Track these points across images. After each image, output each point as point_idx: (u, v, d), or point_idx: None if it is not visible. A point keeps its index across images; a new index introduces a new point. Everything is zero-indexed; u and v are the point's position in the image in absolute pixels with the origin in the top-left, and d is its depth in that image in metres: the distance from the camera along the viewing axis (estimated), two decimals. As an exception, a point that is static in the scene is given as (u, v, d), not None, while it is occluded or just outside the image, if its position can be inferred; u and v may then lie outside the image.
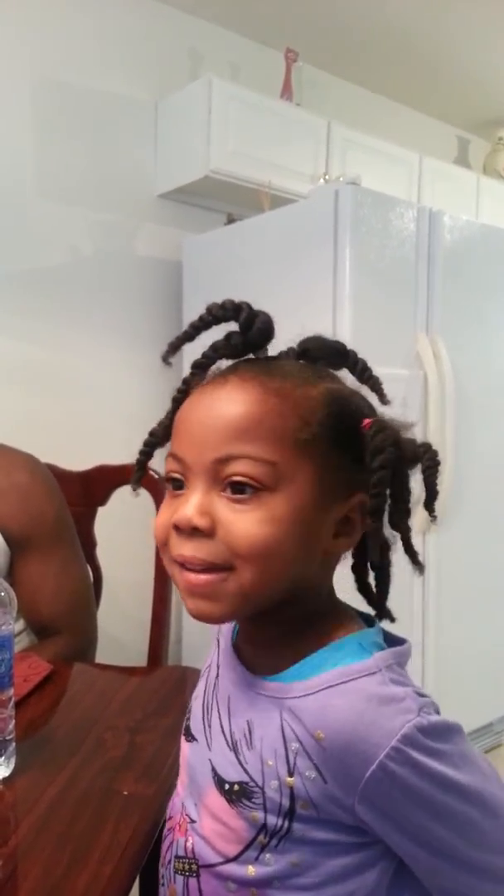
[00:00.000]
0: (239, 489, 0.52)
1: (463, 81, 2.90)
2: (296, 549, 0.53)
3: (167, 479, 0.57)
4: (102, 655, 1.22)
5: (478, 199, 2.96)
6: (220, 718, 0.60)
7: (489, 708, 2.24)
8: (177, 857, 0.60)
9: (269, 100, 2.31)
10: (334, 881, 0.53)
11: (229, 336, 0.59)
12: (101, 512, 1.41)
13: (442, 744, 0.51)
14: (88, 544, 1.36)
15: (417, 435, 1.76)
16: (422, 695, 0.53)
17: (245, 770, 0.55)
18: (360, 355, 0.62)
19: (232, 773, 0.56)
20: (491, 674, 2.22)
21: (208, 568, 0.53)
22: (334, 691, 0.52)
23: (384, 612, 0.61)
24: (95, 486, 1.39)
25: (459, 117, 3.21)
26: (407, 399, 1.88)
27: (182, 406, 0.58)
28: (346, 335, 1.79)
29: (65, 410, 2.18)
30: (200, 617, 0.54)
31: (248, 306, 0.58)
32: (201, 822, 0.59)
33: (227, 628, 0.65)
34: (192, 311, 2.27)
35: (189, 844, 0.59)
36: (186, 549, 0.53)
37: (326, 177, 2.33)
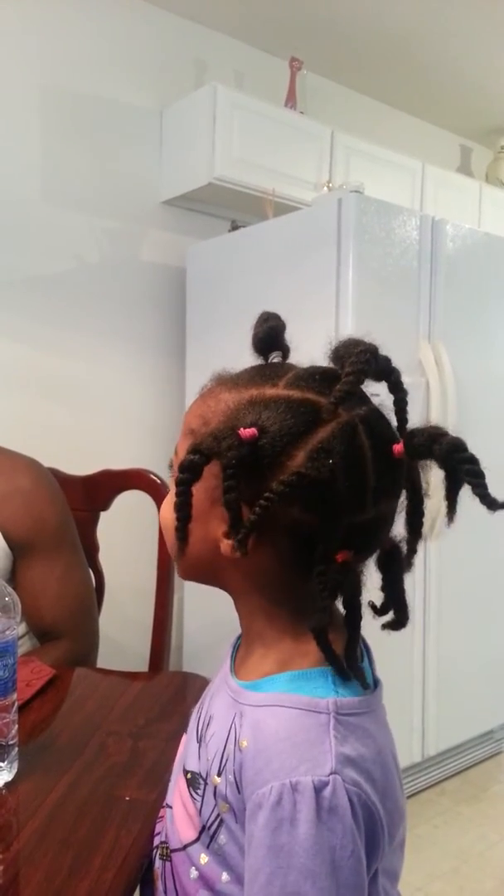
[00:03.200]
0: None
1: (466, 90, 2.91)
2: (179, 532, 0.55)
3: None
4: (104, 660, 1.22)
5: (480, 207, 2.97)
6: (200, 712, 0.63)
7: (489, 715, 2.23)
8: (161, 842, 0.63)
9: (273, 108, 2.32)
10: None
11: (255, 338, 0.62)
12: (104, 516, 1.42)
13: (318, 815, 0.48)
14: (91, 549, 1.37)
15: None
16: (349, 763, 0.50)
17: (199, 761, 0.58)
18: (359, 361, 0.54)
19: (192, 762, 0.59)
20: (491, 681, 2.22)
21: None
22: (279, 712, 0.53)
23: (336, 663, 0.54)
24: (98, 490, 1.39)
25: (462, 126, 3.23)
26: (409, 406, 1.88)
27: None
28: (349, 342, 1.79)
29: (68, 415, 2.18)
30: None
31: (263, 317, 0.61)
32: (173, 807, 0.61)
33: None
34: (196, 317, 2.29)
35: (164, 829, 0.62)
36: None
37: (330, 185, 2.34)
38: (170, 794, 0.64)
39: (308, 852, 0.47)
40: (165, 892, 0.61)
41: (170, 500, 0.58)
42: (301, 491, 0.49)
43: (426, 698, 2.03)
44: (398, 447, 0.53)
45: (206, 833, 0.56)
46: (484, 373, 2.11)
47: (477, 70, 2.75)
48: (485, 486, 0.53)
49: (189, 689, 0.98)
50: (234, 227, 2.27)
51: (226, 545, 0.54)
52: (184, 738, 0.67)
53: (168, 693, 0.97)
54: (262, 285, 2.03)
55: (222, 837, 0.55)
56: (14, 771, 0.72)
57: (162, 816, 0.65)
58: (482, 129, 3.25)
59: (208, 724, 0.59)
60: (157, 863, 0.63)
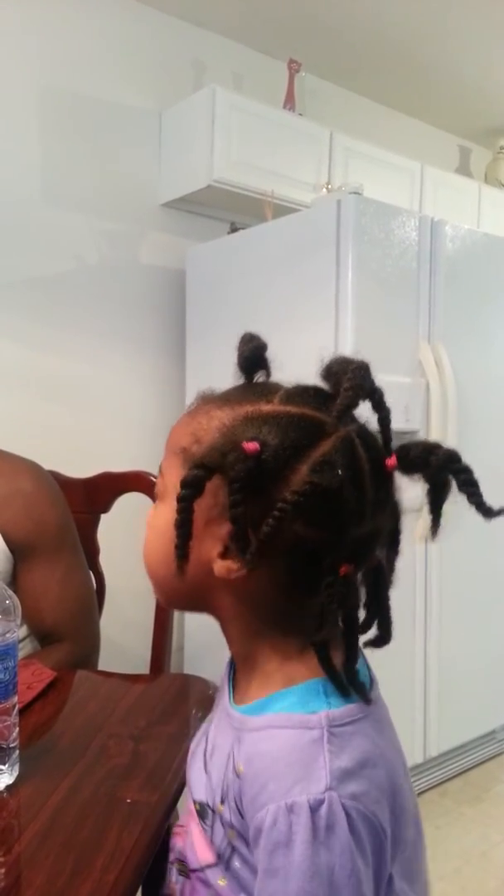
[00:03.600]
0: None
1: (464, 91, 2.92)
2: (170, 555, 0.54)
3: None
4: (105, 662, 1.22)
5: (479, 207, 2.97)
6: (206, 738, 0.63)
7: (491, 716, 2.23)
8: (177, 859, 0.63)
9: (272, 109, 2.33)
10: None
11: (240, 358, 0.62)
12: (105, 519, 1.42)
13: (314, 833, 0.48)
14: (91, 551, 1.37)
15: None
16: (346, 776, 0.49)
17: (206, 791, 0.58)
18: (356, 377, 0.55)
19: (199, 792, 0.59)
20: (492, 682, 2.22)
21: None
22: (268, 733, 0.53)
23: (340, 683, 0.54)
24: (99, 492, 1.39)
25: (461, 126, 3.23)
26: (409, 407, 1.89)
27: None
28: (349, 344, 1.80)
29: (68, 417, 2.18)
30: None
31: (246, 338, 0.61)
32: (191, 829, 0.61)
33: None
34: (196, 318, 2.29)
35: (181, 849, 0.63)
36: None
37: (329, 186, 2.34)
38: (185, 816, 0.64)
39: (305, 874, 0.47)
40: None
41: (157, 524, 0.58)
42: (311, 502, 0.49)
43: (427, 699, 2.03)
44: (391, 461, 0.54)
45: (222, 858, 0.56)
46: (484, 373, 2.11)
47: (475, 71, 2.76)
48: (481, 495, 0.54)
49: (190, 691, 0.98)
50: (234, 229, 2.27)
51: (221, 566, 0.53)
52: (189, 764, 0.65)
53: (169, 695, 0.97)
54: (261, 287, 2.03)
55: (236, 863, 0.54)
56: (15, 774, 0.72)
57: (177, 833, 0.65)
58: (481, 130, 3.26)
59: (212, 755, 0.59)
60: (176, 878, 0.63)
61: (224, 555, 0.53)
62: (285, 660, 0.56)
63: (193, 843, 0.60)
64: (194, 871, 0.60)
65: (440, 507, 0.55)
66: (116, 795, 0.70)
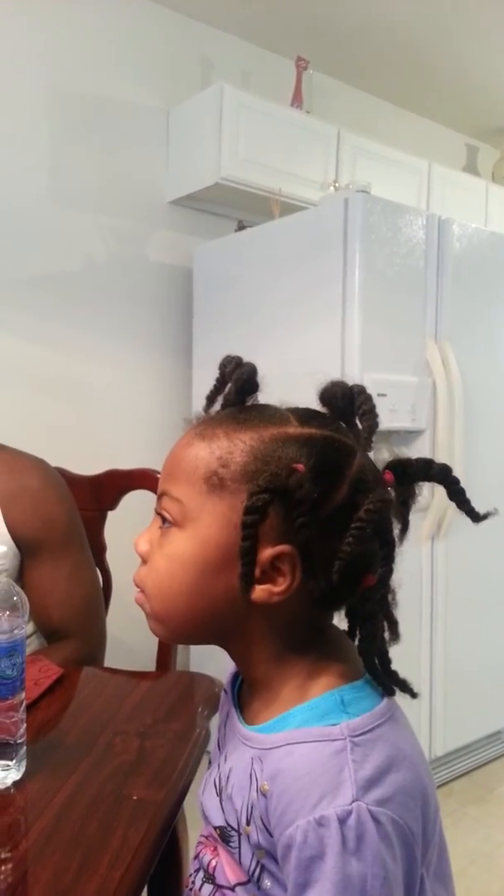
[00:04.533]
0: (166, 524, 0.57)
1: (472, 89, 2.91)
2: (196, 584, 0.55)
3: None
4: (111, 659, 1.23)
5: (487, 206, 2.96)
6: (218, 765, 0.62)
7: (497, 716, 2.23)
8: (204, 869, 0.62)
9: (279, 107, 2.32)
10: None
11: (216, 389, 0.62)
12: (111, 516, 1.42)
13: (344, 844, 0.48)
14: (98, 548, 1.37)
15: (426, 442, 1.79)
16: (372, 784, 0.50)
17: (224, 815, 0.57)
18: (367, 401, 0.58)
19: (216, 817, 0.59)
20: (498, 682, 2.21)
21: (142, 590, 0.59)
22: (290, 749, 0.53)
23: (381, 680, 0.57)
24: (105, 490, 1.39)
25: (468, 125, 3.22)
26: (415, 406, 1.88)
27: None
28: (356, 342, 1.79)
29: (75, 415, 2.19)
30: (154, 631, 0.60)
31: (235, 361, 0.61)
32: (220, 849, 0.60)
33: (230, 675, 0.67)
34: (203, 316, 2.29)
35: (212, 863, 0.61)
36: (137, 572, 0.60)
37: (336, 184, 2.34)
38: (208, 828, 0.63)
39: (337, 886, 0.47)
40: None
41: (176, 553, 0.56)
42: (378, 519, 0.52)
43: (433, 699, 2.02)
44: (389, 475, 0.56)
45: (252, 878, 0.56)
46: (491, 372, 2.11)
47: (483, 69, 2.75)
48: (469, 502, 0.59)
49: (196, 688, 0.98)
50: (241, 227, 2.27)
51: (262, 591, 0.53)
52: (202, 794, 0.64)
53: (175, 693, 0.97)
54: (268, 285, 2.03)
55: (267, 882, 0.54)
56: (22, 770, 0.72)
57: (204, 844, 0.63)
58: (489, 129, 3.24)
59: (228, 777, 0.58)
60: (201, 885, 0.61)
61: (262, 579, 0.53)
62: (301, 676, 0.56)
63: (223, 863, 0.59)
64: (224, 887, 0.59)
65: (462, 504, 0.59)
66: (123, 792, 0.71)
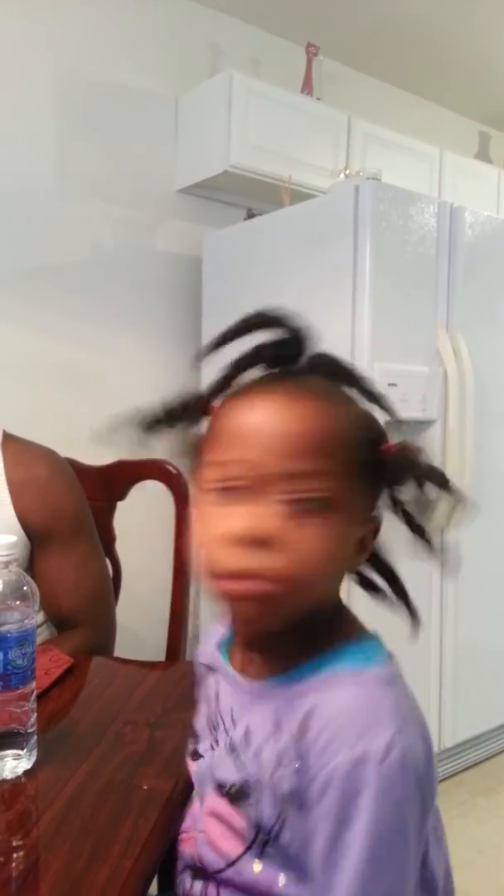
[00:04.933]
0: (306, 504, 0.53)
1: (484, 75, 2.87)
2: (338, 565, 0.57)
3: (215, 488, 0.55)
4: (121, 649, 1.23)
5: (499, 194, 2.93)
6: (225, 731, 0.62)
7: (507, 707, 2.22)
8: (190, 867, 0.62)
9: (289, 94, 2.30)
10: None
11: (270, 346, 0.59)
12: (121, 506, 1.42)
13: (389, 782, 0.49)
14: (107, 538, 1.37)
15: (437, 432, 1.78)
16: (407, 722, 0.52)
17: (244, 770, 0.57)
18: (368, 377, 0.61)
19: (231, 776, 0.58)
20: (509, 673, 2.21)
21: (268, 579, 0.53)
22: (331, 690, 0.54)
23: (413, 613, 0.63)
24: (115, 480, 1.39)
25: (480, 111, 3.18)
26: (427, 396, 1.87)
27: (230, 413, 0.57)
28: (366, 331, 1.78)
29: (84, 405, 2.19)
30: (242, 624, 0.58)
31: (294, 318, 0.59)
32: (207, 829, 0.61)
33: (209, 652, 0.67)
34: (212, 306, 2.28)
35: (197, 854, 0.61)
36: (245, 560, 0.53)
37: (347, 172, 2.32)
38: (195, 820, 0.63)
39: (376, 819, 0.49)
40: None
41: (334, 534, 0.54)
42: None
43: (443, 689, 2.02)
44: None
45: (258, 842, 0.55)
46: (502, 362, 2.09)
47: (496, 55, 2.71)
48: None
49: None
50: (250, 216, 2.25)
51: (358, 560, 0.59)
52: (193, 766, 0.65)
53: (185, 682, 0.97)
54: (278, 273, 2.02)
55: (286, 836, 0.54)
56: (33, 759, 0.72)
57: (184, 840, 0.64)
58: (501, 115, 3.21)
59: (246, 737, 0.58)
60: (195, 886, 0.61)
61: (357, 552, 0.57)
62: (329, 628, 0.58)
63: (213, 840, 0.59)
64: (217, 871, 0.59)
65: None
66: (133, 782, 0.71)
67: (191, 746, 0.67)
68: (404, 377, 1.80)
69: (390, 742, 0.49)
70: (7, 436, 1.19)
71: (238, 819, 0.57)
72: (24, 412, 1.87)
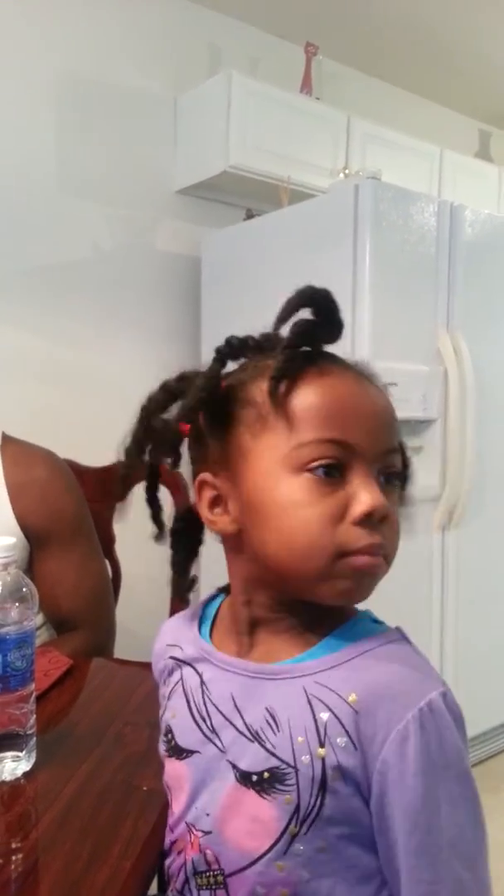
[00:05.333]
0: (393, 479, 0.57)
1: (484, 74, 2.87)
2: None
3: (318, 466, 0.54)
4: (120, 650, 1.23)
5: (500, 192, 2.93)
6: (226, 719, 0.59)
7: (508, 706, 2.22)
8: (196, 873, 0.59)
9: (288, 94, 2.30)
10: (354, 865, 0.54)
11: (317, 324, 0.57)
12: (120, 507, 1.42)
13: (454, 724, 0.53)
14: (107, 540, 1.37)
15: (437, 432, 1.80)
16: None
17: (273, 755, 0.55)
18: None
19: (258, 763, 0.56)
20: (510, 672, 2.20)
21: (386, 552, 0.56)
22: (368, 656, 0.55)
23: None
24: (114, 482, 1.39)
25: (481, 110, 3.18)
26: (427, 395, 1.87)
27: (321, 390, 0.55)
28: (366, 330, 1.78)
29: (84, 406, 2.19)
30: (356, 599, 0.57)
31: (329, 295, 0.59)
32: (222, 827, 0.57)
33: (191, 640, 0.65)
34: (211, 306, 2.28)
35: (209, 856, 0.58)
36: (377, 536, 0.55)
37: (346, 171, 2.32)
38: (201, 823, 0.59)
39: (456, 757, 0.52)
40: None
41: (396, 507, 0.57)
42: None
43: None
44: None
45: (289, 832, 0.53)
46: (503, 361, 2.09)
47: (495, 53, 2.71)
48: None
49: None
50: (250, 216, 2.25)
51: None
52: (179, 767, 0.62)
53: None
54: (277, 273, 2.02)
55: (326, 812, 0.52)
56: (32, 760, 0.72)
57: (181, 850, 0.61)
58: (501, 114, 3.20)
59: (271, 719, 0.56)
60: (200, 894, 0.59)
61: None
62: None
63: (234, 838, 0.56)
64: (233, 873, 0.56)
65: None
66: (133, 783, 0.71)
67: (167, 744, 0.64)
68: (405, 376, 1.80)
69: (443, 689, 0.53)
70: (6, 437, 1.19)
71: (267, 809, 0.54)
72: (22, 413, 1.87)
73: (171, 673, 0.67)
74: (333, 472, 0.54)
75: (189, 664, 0.64)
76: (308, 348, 0.57)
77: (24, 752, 0.71)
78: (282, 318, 0.57)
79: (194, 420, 0.59)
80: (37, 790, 0.70)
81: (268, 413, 0.56)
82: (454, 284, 1.96)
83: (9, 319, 2.06)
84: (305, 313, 0.57)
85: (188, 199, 2.39)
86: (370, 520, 0.54)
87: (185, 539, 0.68)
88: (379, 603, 0.62)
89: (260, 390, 0.56)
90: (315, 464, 0.54)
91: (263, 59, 2.53)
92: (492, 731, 2.19)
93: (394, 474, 0.57)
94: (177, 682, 0.65)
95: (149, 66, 2.30)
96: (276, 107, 2.24)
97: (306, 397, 0.55)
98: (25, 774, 0.71)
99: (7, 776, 0.70)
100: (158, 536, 0.66)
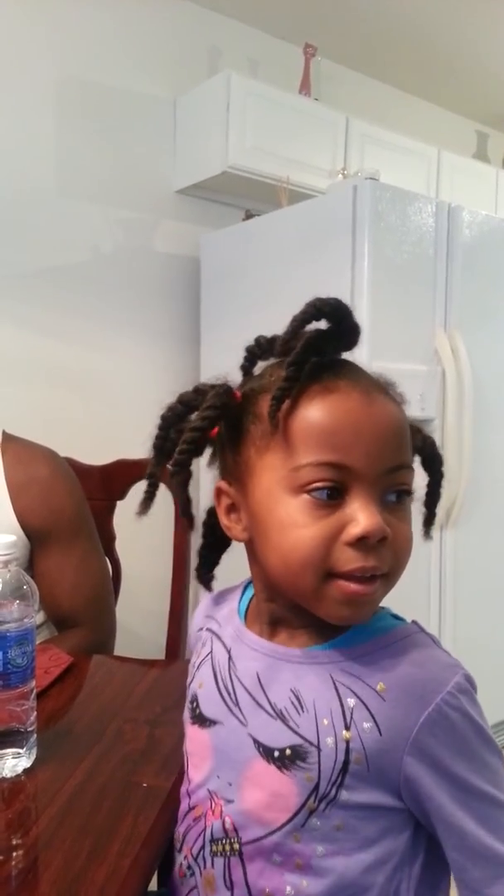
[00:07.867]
0: (402, 497, 0.57)
1: (482, 75, 2.87)
2: None
3: (316, 489, 0.54)
4: (120, 648, 1.23)
5: (497, 193, 2.94)
6: (250, 695, 0.61)
7: (506, 706, 2.22)
8: (213, 840, 0.61)
9: (287, 95, 2.30)
10: (368, 845, 0.55)
11: (328, 334, 0.57)
12: (120, 506, 1.42)
13: (477, 702, 0.57)
14: (107, 538, 1.37)
15: (435, 432, 1.79)
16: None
17: (297, 733, 0.57)
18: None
19: (282, 740, 0.57)
20: (508, 672, 2.21)
21: (377, 576, 0.55)
22: (392, 649, 0.57)
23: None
24: (114, 480, 1.40)
25: (478, 111, 3.18)
26: (425, 395, 1.87)
27: (324, 410, 0.54)
28: (364, 331, 1.77)
29: (84, 405, 2.19)
30: (354, 622, 0.57)
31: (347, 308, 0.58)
32: (242, 797, 0.59)
33: (226, 616, 0.68)
34: (211, 306, 2.28)
35: (228, 825, 0.60)
36: (371, 559, 0.54)
37: (344, 172, 2.32)
38: (223, 791, 0.61)
39: (487, 734, 0.57)
40: (233, 887, 0.59)
41: (408, 524, 0.58)
42: None
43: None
44: None
45: (306, 808, 0.55)
46: (501, 361, 2.09)
47: (493, 55, 2.71)
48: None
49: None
50: (249, 216, 2.26)
51: None
52: (203, 735, 0.64)
53: (184, 681, 0.97)
54: (276, 274, 2.02)
55: (344, 794, 0.54)
56: (33, 757, 0.72)
57: (199, 817, 0.62)
58: (499, 115, 3.21)
59: (297, 698, 0.58)
60: (216, 863, 0.60)
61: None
62: None
63: (254, 809, 0.58)
64: (249, 842, 0.58)
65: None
66: (132, 780, 0.71)
67: (193, 710, 0.66)
68: (402, 376, 1.77)
69: (465, 672, 0.56)
70: (7, 436, 1.19)
71: (287, 784, 0.56)
72: (23, 412, 1.87)
73: (204, 644, 0.69)
74: (334, 495, 0.54)
75: (221, 639, 0.66)
76: (316, 359, 0.56)
77: (24, 749, 0.72)
78: (292, 333, 0.57)
79: (216, 427, 0.60)
80: (37, 787, 0.70)
81: (270, 432, 0.56)
82: (452, 285, 1.96)
83: (9, 319, 2.06)
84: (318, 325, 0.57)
85: (187, 200, 2.40)
86: (365, 542, 0.53)
87: (214, 533, 0.69)
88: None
89: (266, 405, 0.56)
90: (313, 486, 0.54)
91: (262, 60, 2.54)
92: (492, 728, 2.19)
93: (405, 491, 0.56)
94: (207, 654, 0.67)
95: (148, 67, 2.30)
96: (275, 108, 2.25)
97: (305, 418, 0.54)
98: (26, 771, 0.71)
99: (7, 773, 0.70)
100: (189, 528, 0.69)
